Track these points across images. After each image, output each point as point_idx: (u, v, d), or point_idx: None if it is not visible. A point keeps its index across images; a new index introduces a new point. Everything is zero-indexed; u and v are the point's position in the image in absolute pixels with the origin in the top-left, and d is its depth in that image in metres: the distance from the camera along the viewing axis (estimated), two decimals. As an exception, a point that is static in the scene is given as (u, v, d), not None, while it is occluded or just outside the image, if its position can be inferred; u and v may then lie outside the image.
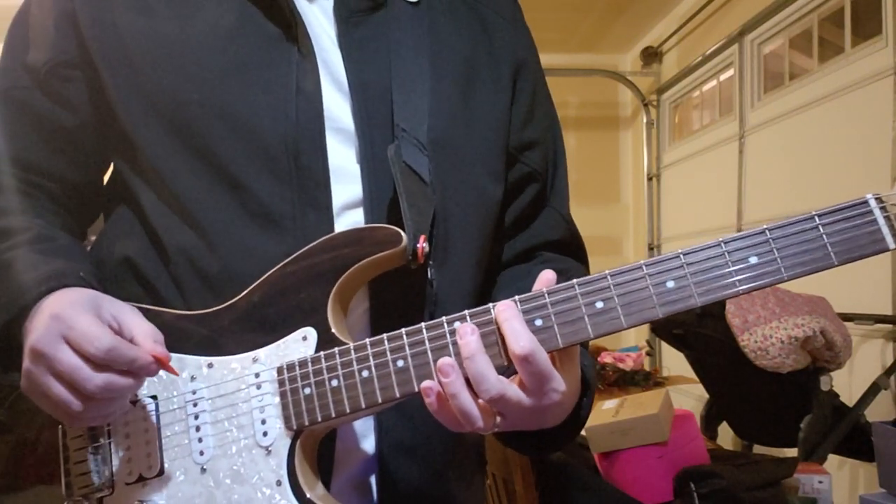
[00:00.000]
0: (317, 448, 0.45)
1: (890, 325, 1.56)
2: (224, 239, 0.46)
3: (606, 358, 1.68)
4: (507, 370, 0.39)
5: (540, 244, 0.57)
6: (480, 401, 0.38)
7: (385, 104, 0.49)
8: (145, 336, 0.41)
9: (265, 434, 0.43)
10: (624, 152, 3.20)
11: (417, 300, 0.48)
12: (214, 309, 0.46)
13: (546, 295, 0.39)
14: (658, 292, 0.37)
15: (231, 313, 0.45)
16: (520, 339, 0.37)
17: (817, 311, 1.33)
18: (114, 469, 0.45)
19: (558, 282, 0.39)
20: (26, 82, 0.50)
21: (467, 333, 0.38)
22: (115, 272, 0.50)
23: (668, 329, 1.60)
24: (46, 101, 0.50)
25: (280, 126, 0.46)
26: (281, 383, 0.43)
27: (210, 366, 0.45)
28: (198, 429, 0.44)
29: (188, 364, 0.45)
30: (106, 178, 0.56)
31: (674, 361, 2.28)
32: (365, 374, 0.41)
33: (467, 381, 0.38)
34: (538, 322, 0.39)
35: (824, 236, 0.35)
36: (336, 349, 0.42)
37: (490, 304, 0.40)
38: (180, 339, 0.46)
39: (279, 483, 0.42)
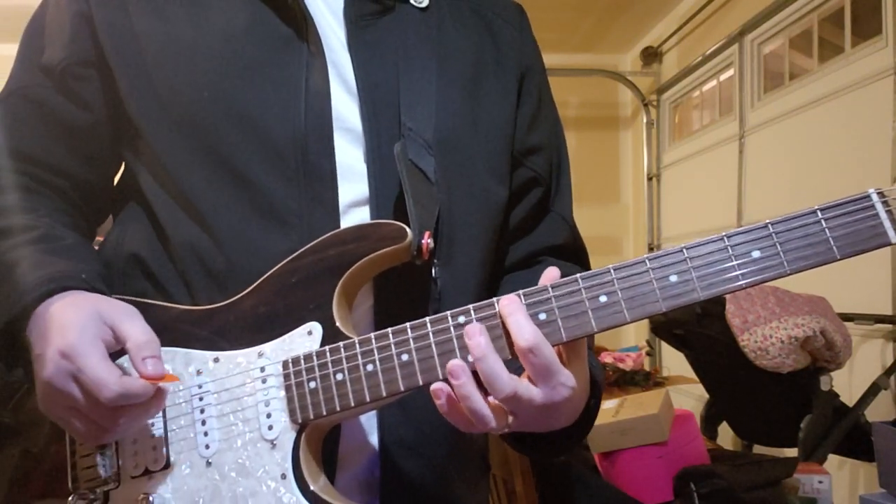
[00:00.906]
0: (321, 442, 0.45)
1: (890, 325, 1.57)
2: (231, 235, 0.47)
3: (606, 358, 1.68)
4: (515, 366, 0.39)
5: (543, 249, 0.57)
6: (492, 400, 0.38)
7: (392, 105, 0.49)
8: (137, 352, 0.41)
9: (270, 428, 0.43)
10: (624, 152, 3.21)
11: (422, 297, 0.48)
12: (221, 304, 0.46)
13: (550, 289, 0.39)
14: (661, 286, 0.37)
15: (237, 308, 0.46)
16: (524, 332, 0.38)
17: (817, 311, 1.34)
18: (120, 462, 0.45)
19: None
20: (42, 81, 0.50)
21: (476, 334, 0.38)
22: (124, 268, 0.50)
23: (669, 329, 1.60)
24: (61, 99, 0.50)
25: (289, 124, 0.47)
26: (286, 377, 0.43)
27: (216, 360, 0.45)
28: (203, 422, 0.44)
29: (194, 358, 0.46)
30: (117, 177, 0.57)
31: (674, 361, 2.28)
32: (370, 367, 0.41)
33: (477, 381, 0.38)
34: (542, 316, 0.39)
35: (827, 230, 0.35)
36: (341, 343, 0.42)
37: (494, 299, 0.40)
38: (187, 333, 0.46)
39: (284, 476, 0.42)
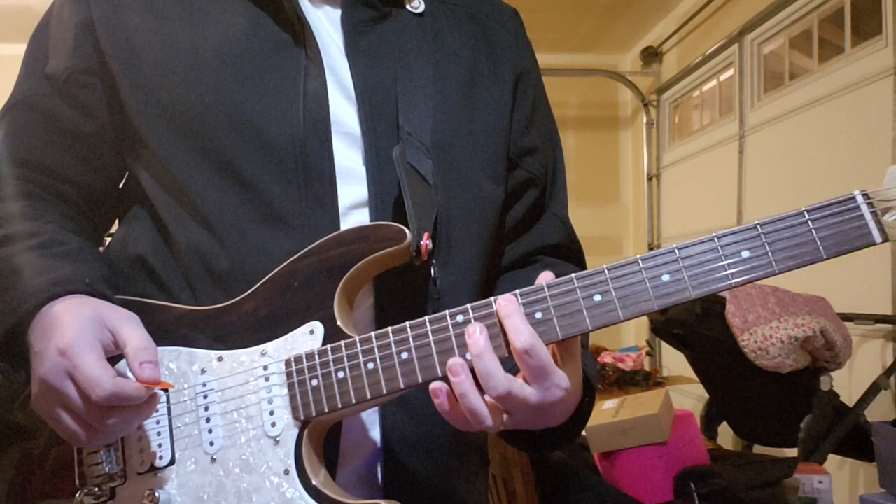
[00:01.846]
0: (323, 439, 0.46)
1: (890, 325, 1.57)
2: (234, 237, 0.48)
3: (606, 358, 1.68)
4: (509, 365, 0.40)
5: (539, 248, 0.58)
6: (488, 399, 0.39)
7: (390, 109, 0.50)
8: (135, 356, 0.42)
9: (273, 425, 0.44)
10: (624, 152, 3.21)
11: (421, 297, 0.49)
12: (224, 304, 0.47)
13: (546, 288, 0.40)
14: (654, 285, 0.38)
15: (240, 308, 0.47)
16: (520, 334, 0.38)
17: (817, 311, 1.34)
18: (126, 459, 0.46)
19: None
20: (46, 90, 0.51)
21: (475, 332, 0.39)
22: (129, 270, 0.51)
23: (668, 329, 1.60)
24: (65, 107, 0.51)
25: (288, 128, 0.48)
26: (289, 375, 0.44)
27: (220, 359, 0.46)
28: (208, 420, 0.45)
29: (198, 357, 0.47)
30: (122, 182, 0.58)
31: (674, 361, 2.28)
32: (370, 366, 0.42)
33: (474, 380, 0.39)
34: (538, 315, 0.40)
35: (813, 231, 0.36)
36: (342, 342, 0.43)
37: (492, 298, 0.41)
38: (191, 333, 0.47)
39: (287, 472, 0.43)
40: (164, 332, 0.47)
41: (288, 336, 0.45)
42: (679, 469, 1.14)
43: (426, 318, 0.42)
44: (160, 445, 0.46)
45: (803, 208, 0.36)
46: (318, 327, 0.44)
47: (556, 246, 0.58)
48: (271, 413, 0.44)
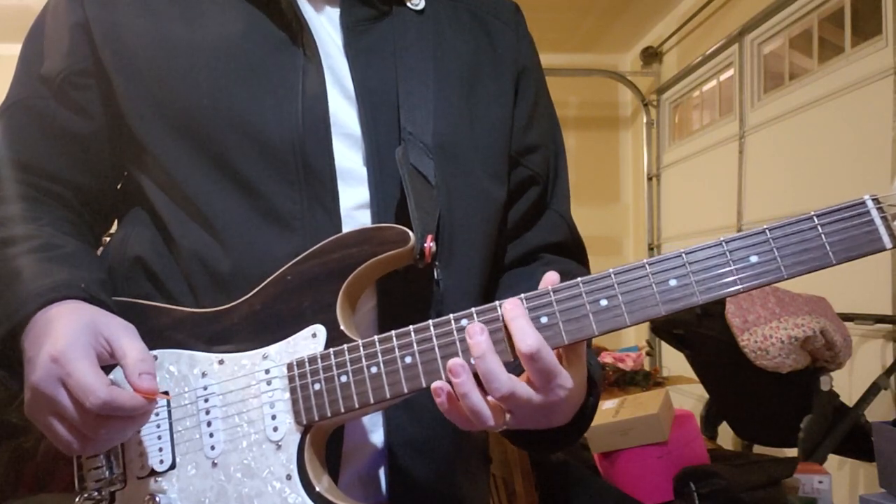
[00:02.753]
0: (325, 443, 0.46)
1: (890, 325, 1.57)
2: (235, 239, 0.47)
3: (606, 358, 1.68)
4: (513, 365, 0.40)
5: (541, 246, 0.57)
6: (490, 399, 0.39)
7: (391, 109, 0.50)
8: (133, 367, 0.42)
9: (275, 429, 0.44)
10: (624, 152, 3.21)
11: (424, 299, 0.49)
12: (225, 307, 0.47)
13: (551, 293, 0.40)
14: (661, 290, 0.38)
15: (241, 311, 0.46)
16: (527, 337, 0.38)
17: (817, 311, 1.34)
18: (126, 463, 0.46)
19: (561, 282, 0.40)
20: (42, 92, 0.51)
21: (477, 333, 0.39)
22: (128, 271, 0.51)
23: (669, 329, 1.60)
24: (62, 109, 0.51)
25: (287, 128, 0.47)
26: (291, 379, 0.44)
27: (221, 362, 0.46)
28: (209, 424, 0.45)
29: (199, 360, 0.46)
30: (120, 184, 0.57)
31: (674, 361, 2.29)
32: (373, 370, 0.42)
33: (477, 380, 0.39)
34: (543, 319, 0.39)
35: (823, 236, 0.36)
36: (345, 346, 0.43)
37: (497, 302, 0.41)
38: (191, 336, 0.47)
39: (289, 477, 0.43)
40: (165, 334, 0.47)
41: (290, 339, 0.45)
42: (679, 469, 1.14)
43: (430, 321, 0.41)
44: (161, 449, 0.45)
45: (812, 213, 0.36)
46: (320, 330, 0.44)
47: (559, 244, 0.58)
48: (273, 417, 0.44)
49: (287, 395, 0.44)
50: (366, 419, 0.49)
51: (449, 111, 0.51)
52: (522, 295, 0.40)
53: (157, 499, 0.44)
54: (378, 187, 0.49)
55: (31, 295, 0.43)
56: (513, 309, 0.39)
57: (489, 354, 0.38)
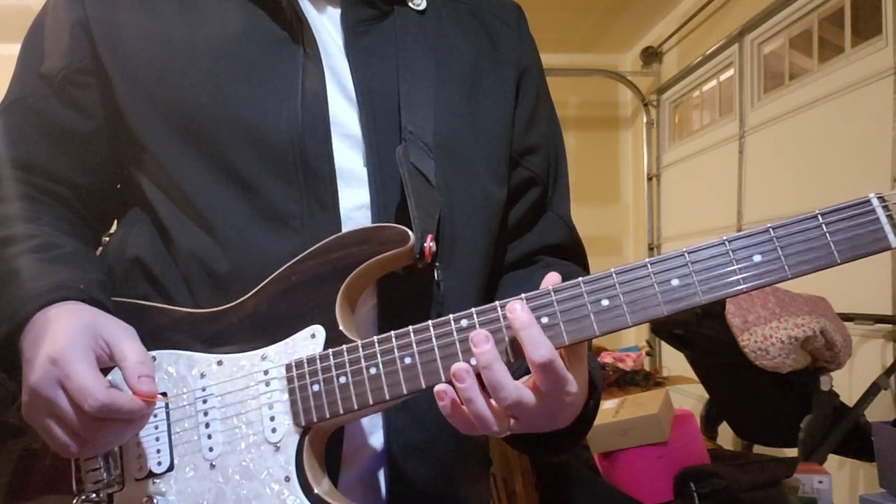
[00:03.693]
0: (325, 445, 0.45)
1: (890, 325, 1.57)
2: (234, 239, 0.47)
3: (606, 358, 1.68)
4: (513, 367, 0.40)
5: (541, 248, 0.57)
6: (494, 404, 0.39)
7: (392, 109, 0.49)
8: (133, 370, 0.41)
9: (274, 431, 0.43)
10: (624, 152, 3.21)
11: (424, 300, 0.48)
12: (224, 307, 0.46)
13: (552, 293, 0.39)
14: (663, 290, 0.37)
15: (240, 311, 0.46)
16: (539, 347, 0.37)
17: (817, 311, 1.34)
18: (124, 465, 0.45)
19: None
20: (41, 90, 0.51)
21: (482, 342, 0.38)
22: (127, 272, 0.51)
23: (669, 329, 1.60)
24: (61, 107, 0.51)
25: (286, 127, 0.47)
26: (289, 380, 0.44)
27: (219, 363, 0.45)
28: (207, 425, 0.45)
29: (197, 361, 0.46)
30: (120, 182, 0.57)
31: (674, 361, 2.28)
32: (373, 371, 0.42)
33: (480, 384, 0.38)
34: (544, 320, 0.39)
35: (827, 235, 0.35)
36: (344, 346, 0.43)
37: (497, 303, 0.40)
38: (190, 336, 0.46)
39: (288, 479, 0.43)
40: (163, 335, 0.47)
41: (289, 340, 0.44)
42: (679, 469, 1.14)
43: (429, 322, 0.41)
44: (158, 451, 0.45)
45: (817, 211, 0.36)
46: (319, 331, 0.44)
47: (558, 246, 0.58)
48: (272, 419, 0.44)
49: (286, 396, 0.43)
50: (365, 421, 0.49)
51: (450, 111, 0.51)
52: (523, 295, 0.40)
53: (155, 500, 0.44)
54: (378, 188, 0.48)
55: (30, 296, 0.43)
56: (522, 317, 0.38)
57: (496, 364, 0.38)
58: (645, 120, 2.95)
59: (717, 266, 0.37)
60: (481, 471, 0.58)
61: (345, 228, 0.47)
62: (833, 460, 1.52)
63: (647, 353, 2.20)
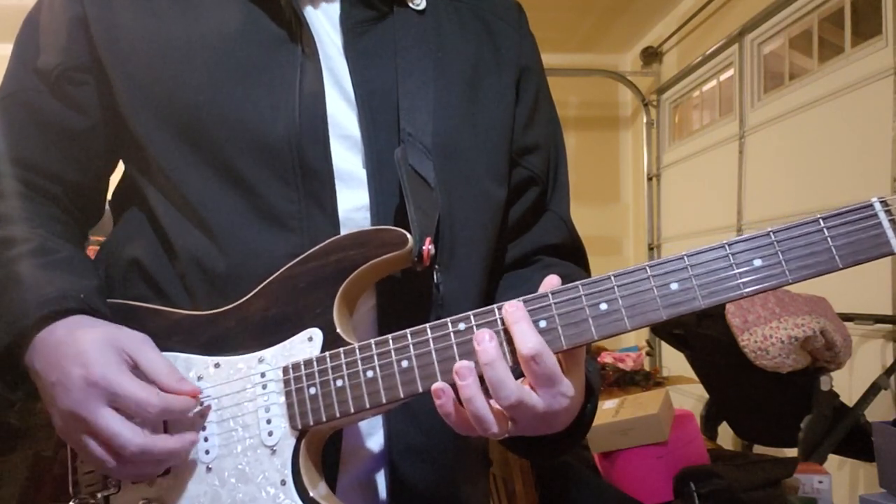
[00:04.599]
0: (322, 449, 0.45)
1: (890, 325, 1.57)
2: (232, 240, 0.47)
3: (606, 358, 1.68)
4: (512, 371, 0.39)
5: (540, 248, 0.57)
6: (494, 405, 0.38)
7: (391, 110, 0.49)
8: (168, 375, 0.42)
9: (270, 434, 0.43)
10: (624, 152, 3.20)
11: (423, 303, 0.48)
12: (221, 310, 0.46)
13: (550, 296, 0.39)
14: (662, 294, 0.37)
15: (237, 314, 0.46)
16: (528, 340, 0.37)
17: (817, 311, 1.34)
18: (120, 468, 0.45)
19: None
20: (36, 85, 0.50)
21: (485, 340, 0.38)
22: (124, 273, 0.50)
23: (669, 329, 1.60)
24: (56, 104, 0.50)
25: (284, 126, 0.47)
26: (286, 383, 0.43)
27: (216, 366, 0.45)
28: (203, 428, 0.44)
29: (195, 364, 0.46)
30: (112, 179, 0.57)
31: (674, 361, 2.28)
32: (370, 374, 0.41)
33: (482, 385, 0.38)
34: (542, 323, 0.39)
35: (829, 239, 0.35)
36: (341, 350, 0.42)
37: (495, 305, 0.40)
38: (187, 338, 0.46)
39: (284, 483, 0.42)
40: (160, 337, 0.46)
41: (286, 343, 0.44)
42: (679, 469, 1.14)
43: (427, 325, 0.41)
44: (155, 454, 0.45)
45: (819, 215, 0.35)
46: (316, 334, 0.43)
47: (558, 246, 0.57)
48: (268, 422, 0.43)
49: (282, 399, 0.43)
50: (364, 423, 0.49)
51: (449, 111, 0.51)
52: (521, 298, 0.40)
53: (152, 504, 0.43)
54: (377, 189, 0.48)
55: (30, 307, 0.43)
56: (514, 312, 0.39)
57: (498, 362, 0.38)
58: (645, 120, 2.95)
59: (717, 270, 0.37)
60: (481, 472, 0.57)
61: (344, 229, 0.47)
62: (833, 460, 1.52)
63: (647, 353, 2.20)
